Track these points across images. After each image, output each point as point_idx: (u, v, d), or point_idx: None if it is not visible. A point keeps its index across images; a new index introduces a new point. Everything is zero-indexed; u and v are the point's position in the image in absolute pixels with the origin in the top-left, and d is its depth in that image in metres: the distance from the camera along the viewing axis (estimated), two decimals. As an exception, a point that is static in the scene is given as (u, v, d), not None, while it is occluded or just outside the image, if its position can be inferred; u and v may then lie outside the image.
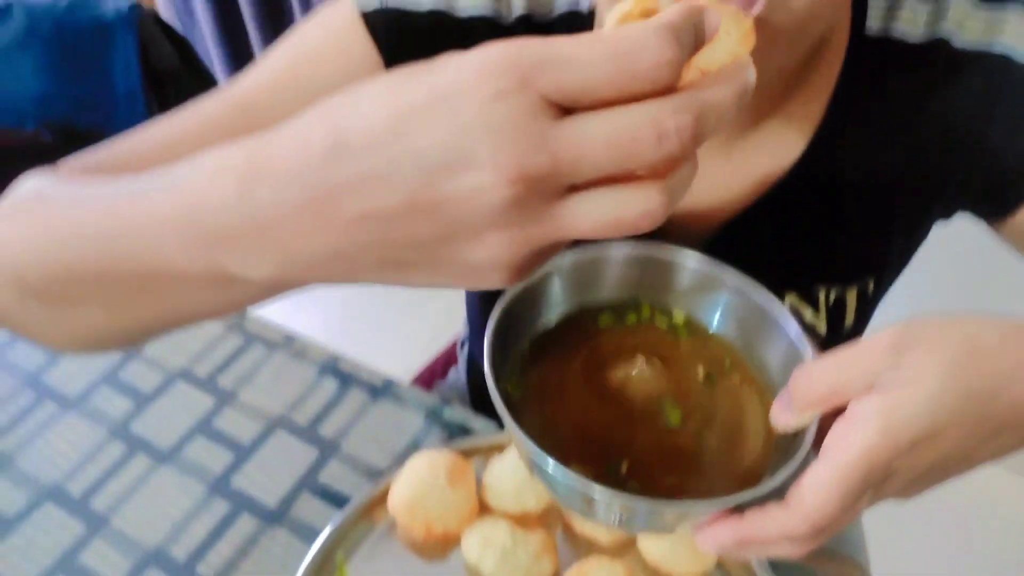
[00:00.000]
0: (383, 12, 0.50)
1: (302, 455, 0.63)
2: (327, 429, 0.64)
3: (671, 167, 0.25)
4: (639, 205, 0.25)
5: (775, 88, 0.48)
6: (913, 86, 0.48)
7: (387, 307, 1.89)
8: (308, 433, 0.64)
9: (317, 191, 0.26)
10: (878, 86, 0.49)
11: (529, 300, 0.41)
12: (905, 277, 0.60)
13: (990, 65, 0.46)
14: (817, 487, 0.30)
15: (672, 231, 0.53)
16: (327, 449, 0.63)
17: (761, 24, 0.35)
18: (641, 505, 0.34)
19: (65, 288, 0.38)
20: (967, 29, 0.46)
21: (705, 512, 0.34)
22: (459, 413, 0.65)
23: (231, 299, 0.34)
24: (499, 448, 0.59)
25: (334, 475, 0.61)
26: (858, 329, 0.59)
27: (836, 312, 0.56)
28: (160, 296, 0.35)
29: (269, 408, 0.66)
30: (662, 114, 0.24)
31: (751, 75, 0.27)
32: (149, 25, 0.94)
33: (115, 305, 0.37)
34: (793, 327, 0.38)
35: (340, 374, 0.68)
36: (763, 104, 0.49)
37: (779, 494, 0.32)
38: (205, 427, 0.65)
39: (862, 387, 0.31)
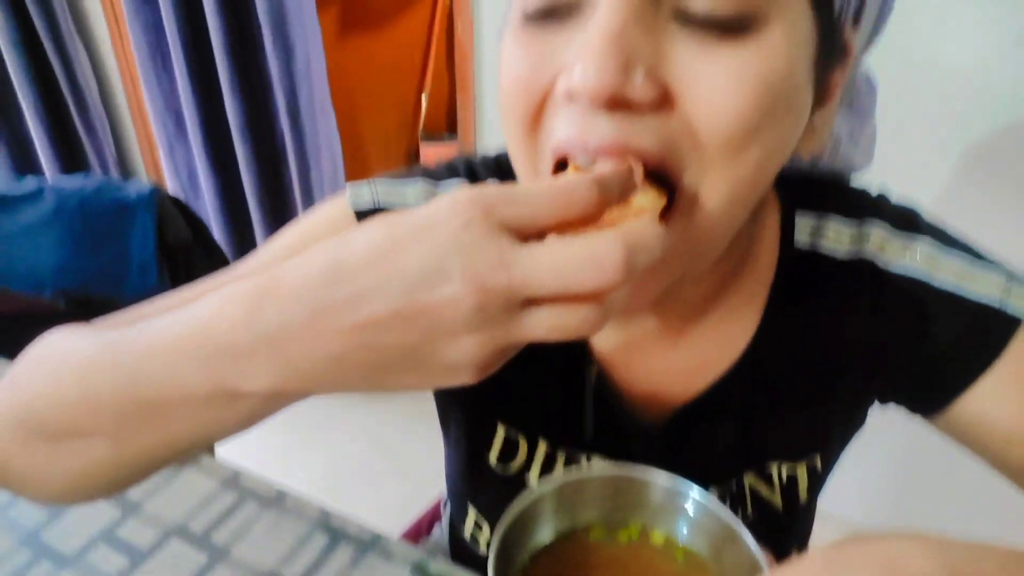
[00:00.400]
0: (374, 212, 0.57)
1: (291, 611, 0.65)
2: (316, 584, 0.66)
3: (610, 289, 0.31)
4: (580, 319, 0.31)
5: (711, 285, 0.54)
6: (842, 294, 0.55)
7: (376, 467, 1.93)
8: (297, 589, 0.66)
9: (317, 306, 0.32)
10: (810, 292, 0.55)
11: (525, 520, 0.46)
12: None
13: (910, 284, 0.53)
14: None
15: (633, 414, 0.59)
16: (315, 604, 0.65)
17: (681, 223, 0.42)
18: None
19: (76, 419, 0.41)
20: (887, 252, 0.53)
21: None
22: (443, 567, 0.67)
23: (233, 416, 0.38)
24: (482, 600, 0.62)
25: (321, 630, 0.63)
26: (811, 501, 0.63)
27: (790, 488, 0.60)
28: (167, 419, 0.38)
29: (261, 564, 0.68)
30: (599, 250, 0.30)
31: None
32: (167, 205, 1.04)
33: (122, 434, 0.40)
34: (752, 542, 0.43)
35: (330, 529, 0.71)
36: (704, 300, 0.55)
37: None
38: (197, 584, 0.67)
39: None
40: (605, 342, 0.58)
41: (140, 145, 2.34)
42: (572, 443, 0.60)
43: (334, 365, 0.33)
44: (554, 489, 0.47)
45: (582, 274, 0.30)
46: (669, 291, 0.50)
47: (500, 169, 0.60)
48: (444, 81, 2.85)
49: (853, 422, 0.62)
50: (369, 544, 0.69)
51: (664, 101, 0.38)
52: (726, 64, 0.37)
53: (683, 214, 0.41)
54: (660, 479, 0.48)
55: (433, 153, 2.86)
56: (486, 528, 0.67)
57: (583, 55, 0.37)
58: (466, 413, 0.65)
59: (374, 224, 0.33)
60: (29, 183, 1.02)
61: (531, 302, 0.31)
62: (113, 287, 1.02)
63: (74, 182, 1.02)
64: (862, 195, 0.56)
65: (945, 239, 0.54)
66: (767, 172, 0.42)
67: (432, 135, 2.94)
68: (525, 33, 0.41)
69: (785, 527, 0.62)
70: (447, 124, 2.95)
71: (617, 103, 0.37)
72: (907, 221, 0.54)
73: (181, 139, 2.04)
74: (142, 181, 1.01)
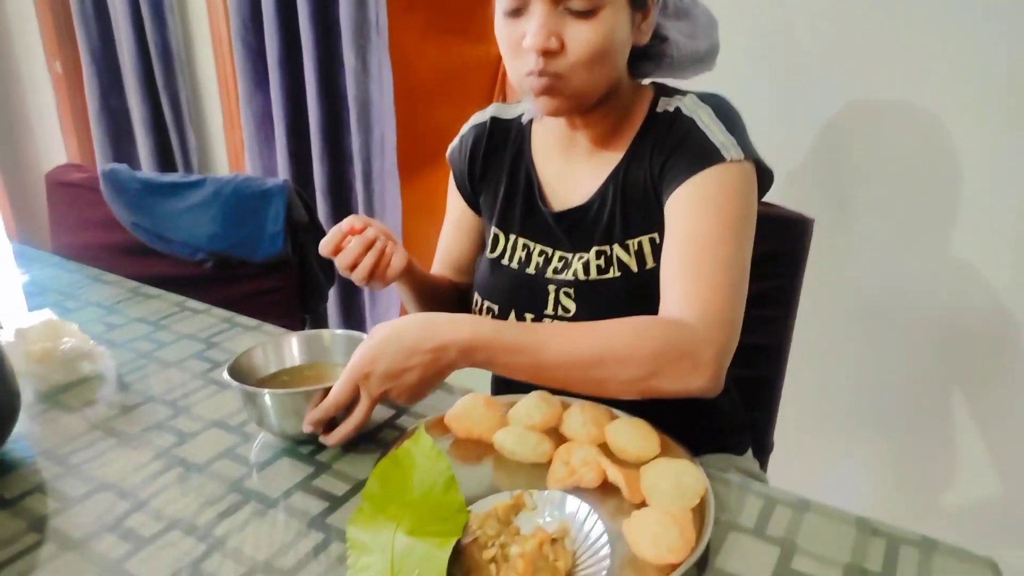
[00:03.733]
0: (449, 156, 1.16)
1: None
2: None
3: None
4: None
5: (603, 130, 0.97)
6: (665, 131, 0.93)
7: None
8: None
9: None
10: (654, 132, 0.95)
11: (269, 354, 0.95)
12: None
13: (688, 122, 0.91)
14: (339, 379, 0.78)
15: (552, 204, 1.02)
16: None
17: (566, 88, 0.87)
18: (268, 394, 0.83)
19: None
20: (687, 107, 0.93)
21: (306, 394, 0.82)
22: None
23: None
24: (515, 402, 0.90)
25: None
26: (656, 266, 0.93)
27: (640, 254, 0.95)
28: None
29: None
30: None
31: None
32: (292, 193, 1.39)
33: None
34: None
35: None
36: (598, 141, 0.98)
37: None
38: None
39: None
40: (544, 168, 1.04)
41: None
42: (522, 232, 1.04)
43: None
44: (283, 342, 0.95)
45: None
46: (583, 121, 0.97)
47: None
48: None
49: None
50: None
51: (562, 48, 0.85)
52: (585, 29, 0.84)
53: (567, 86, 0.87)
54: (340, 333, 0.96)
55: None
56: (483, 303, 1.05)
57: (530, 32, 0.84)
58: (487, 228, 1.10)
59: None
60: (194, 176, 1.40)
61: None
62: (250, 251, 1.36)
63: (228, 176, 1.40)
64: (699, 93, 0.96)
65: (724, 111, 0.91)
66: (610, 66, 0.88)
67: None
68: (505, 23, 0.88)
69: (640, 283, 0.95)
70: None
71: (544, 51, 0.84)
72: (708, 98, 0.93)
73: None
74: (278, 179, 1.37)
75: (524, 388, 0.88)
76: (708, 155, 0.87)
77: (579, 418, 0.86)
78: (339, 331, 0.94)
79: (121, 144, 2.82)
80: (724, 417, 1.09)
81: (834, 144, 1.46)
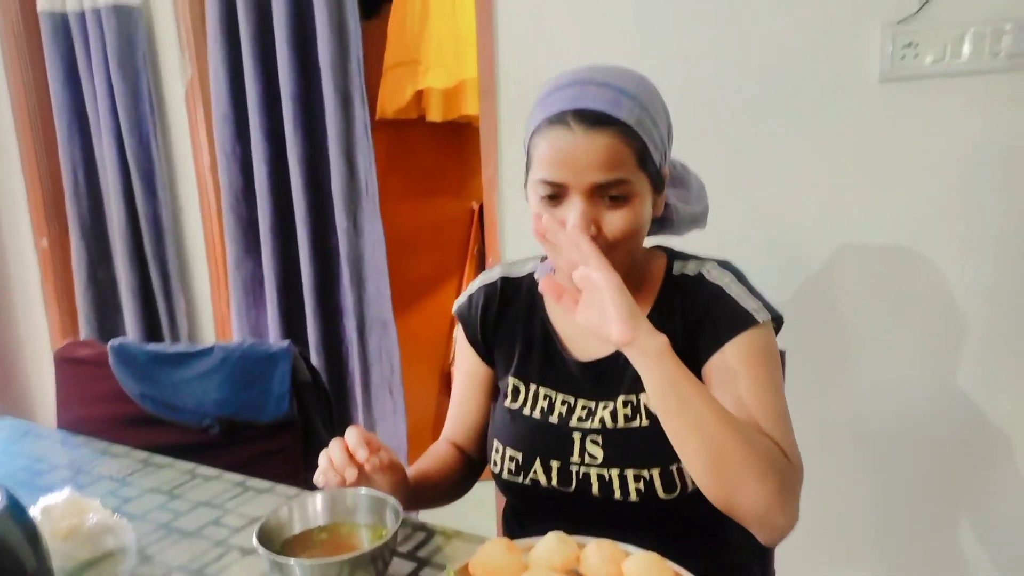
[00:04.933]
0: (458, 313, 1.19)
1: None
2: None
3: None
4: None
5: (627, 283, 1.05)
6: (690, 294, 1.04)
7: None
8: None
9: None
10: (678, 294, 1.05)
11: (294, 515, 0.96)
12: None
13: (715, 289, 1.02)
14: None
15: (575, 354, 1.08)
16: None
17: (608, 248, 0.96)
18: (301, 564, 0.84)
19: None
20: (711, 274, 1.03)
21: (336, 564, 0.84)
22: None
23: None
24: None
25: None
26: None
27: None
28: None
29: None
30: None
31: None
32: (296, 356, 1.46)
33: None
34: (393, 507, 0.94)
35: None
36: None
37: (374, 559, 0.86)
38: None
39: None
40: (560, 320, 1.11)
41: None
42: (542, 382, 1.09)
43: None
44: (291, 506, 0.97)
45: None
46: None
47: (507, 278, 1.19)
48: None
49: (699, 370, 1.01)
50: None
51: (599, 232, 0.95)
52: (620, 216, 0.95)
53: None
54: (364, 492, 0.97)
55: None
56: (505, 451, 1.08)
57: (571, 220, 0.93)
58: (502, 379, 1.14)
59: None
60: (202, 345, 1.46)
61: None
62: (257, 413, 1.41)
63: (234, 343, 1.47)
64: (708, 258, 1.08)
65: (742, 278, 1.04)
66: (638, 243, 1.01)
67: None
68: (542, 207, 0.97)
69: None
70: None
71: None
72: (725, 264, 1.06)
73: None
74: (282, 342, 1.44)
75: (539, 532, 0.92)
76: (743, 320, 0.98)
77: (596, 556, 0.91)
78: (363, 490, 0.98)
79: (106, 315, 2.88)
80: (733, 552, 1.13)
81: (818, 286, 1.60)
